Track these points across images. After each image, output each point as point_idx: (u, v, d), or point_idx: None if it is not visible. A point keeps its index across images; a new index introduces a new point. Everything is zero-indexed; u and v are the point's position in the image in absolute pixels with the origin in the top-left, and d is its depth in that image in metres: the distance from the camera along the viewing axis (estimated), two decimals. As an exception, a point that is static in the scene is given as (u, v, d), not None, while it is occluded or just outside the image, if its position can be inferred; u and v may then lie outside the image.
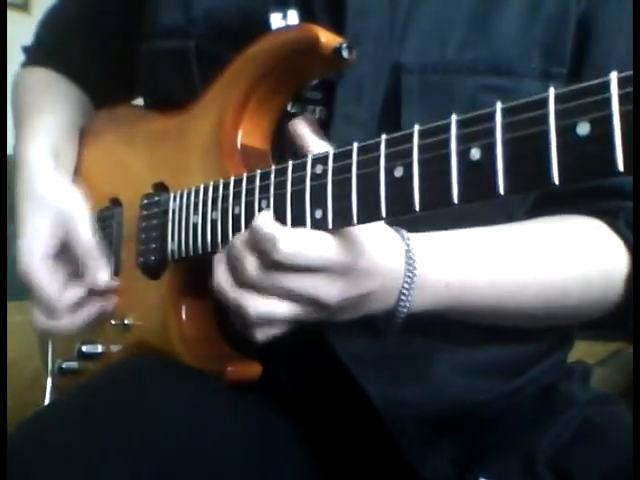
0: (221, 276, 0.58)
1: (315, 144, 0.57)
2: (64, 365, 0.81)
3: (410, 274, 0.57)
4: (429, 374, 0.67)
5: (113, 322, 0.77)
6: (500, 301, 0.63)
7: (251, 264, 0.55)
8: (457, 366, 0.68)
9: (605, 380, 1.15)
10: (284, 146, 0.68)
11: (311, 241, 0.53)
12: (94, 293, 0.77)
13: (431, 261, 0.59)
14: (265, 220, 0.55)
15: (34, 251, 0.76)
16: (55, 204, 0.78)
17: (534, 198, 0.71)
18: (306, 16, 0.68)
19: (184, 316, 0.71)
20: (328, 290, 0.54)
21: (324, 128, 0.65)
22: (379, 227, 0.56)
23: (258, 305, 0.56)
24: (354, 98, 0.64)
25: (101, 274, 0.76)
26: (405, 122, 0.64)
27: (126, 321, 0.76)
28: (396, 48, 0.65)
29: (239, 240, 0.57)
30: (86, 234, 0.76)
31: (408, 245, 0.57)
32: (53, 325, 0.77)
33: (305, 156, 0.55)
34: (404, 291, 0.57)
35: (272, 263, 0.54)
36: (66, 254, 0.78)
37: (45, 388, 0.84)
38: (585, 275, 0.66)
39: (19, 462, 0.57)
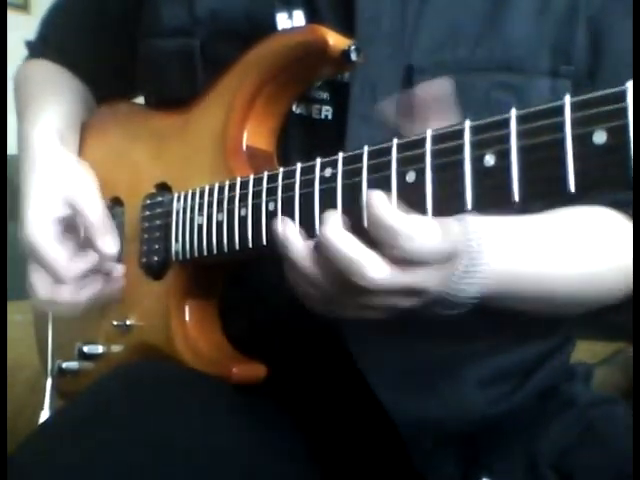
0: (319, 281, 0.52)
1: (441, 114, 0.52)
2: (64, 365, 0.80)
3: (475, 256, 0.54)
4: (451, 390, 0.67)
5: (115, 322, 0.76)
6: (556, 289, 0.63)
7: (373, 266, 0.49)
8: (477, 378, 0.68)
9: (606, 380, 1.16)
10: (288, 148, 0.68)
11: (429, 233, 0.48)
12: (101, 272, 0.76)
13: (493, 245, 0.56)
14: (385, 209, 0.49)
15: (41, 221, 0.74)
16: (63, 176, 0.77)
17: None
18: (312, 16, 0.67)
19: (187, 317, 0.70)
20: (433, 280, 0.51)
21: (332, 127, 0.65)
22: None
23: (364, 303, 0.52)
24: (369, 98, 0.64)
25: (108, 242, 0.74)
26: None
27: (128, 322, 0.75)
28: (408, 49, 0.65)
29: (347, 243, 0.50)
30: (95, 203, 0.75)
31: (474, 227, 0.55)
32: (55, 295, 0.74)
33: (314, 158, 0.55)
34: (468, 275, 0.54)
35: (397, 260, 0.49)
36: (74, 227, 0.76)
37: (44, 388, 0.83)
38: (615, 260, 0.66)
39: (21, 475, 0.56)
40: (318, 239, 0.51)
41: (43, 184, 0.76)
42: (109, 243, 0.74)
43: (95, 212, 0.75)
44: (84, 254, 0.75)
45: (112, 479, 0.56)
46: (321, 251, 0.51)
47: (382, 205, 0.49)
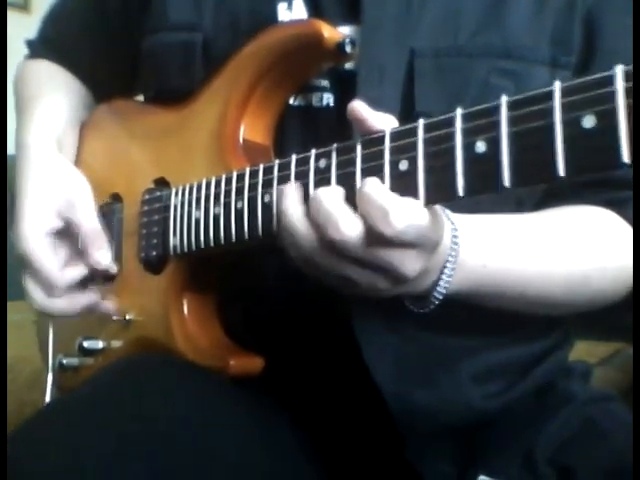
0: (302, 231, 0.52)
1: (382, 119, 0.53)
2: (65, 361, 0.81)
3: (454, 253, 0.56)
4: (446, 382, 0.67)
5: (115, 317, 0.77)
6: (528, 288, 0.63)
7: (354, 232, 0.49)
8: (473, 373, 0.68)
9: (605, 380, 1.15)
10: (285, 141, 0.69)
11: (417, 216, 0.49)
12: (95, 281, 0.77)
13: (472, 242, 0.58)
14: (377, 188, 0.49)
15: (36, 227, 0.75)
16: (58, 184, 0.77)
17: (544, 189, 0.71)
18: (311, 5, 0.68)
19: (186, 311, 0.71)
20: (413, 265, 0.51)
21: (334, 114, 0.65)
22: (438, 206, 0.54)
23: (342, 269, 0.52)
24: (376, 81, 0.64)
25: (102, 255, 0.75)
26: (419, 105, 0.64)
27: (127, 317, 0.76)
28: (412, 32, 0.65)
29: (332, 199, 0.51)
30: (89, 215, 0.76)
31: (453, 224, 0.56)
32: (50, 303, 0.76)
33: (315, 147, 0.55)
34: (446, 270, 0.56)
35: (379, 236, 0.49)
36: (68, 236, 0.77)
37: (45, 385, 0.84)
38: (603, 264, 0.67)
39: (18, 464, 0.56)
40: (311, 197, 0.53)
41: (38, 194, 0.77)
42: (102, 254, 0.75)
43: (89, 223, 0.76)
44: (77, 263, 0.76)
45: (107, 468, 0.56)
46: (310, 206, 0.52)
47: (376, 185, 0.50)
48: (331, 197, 0.51)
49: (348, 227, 0.49)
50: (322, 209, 0.51)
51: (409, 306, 0.59)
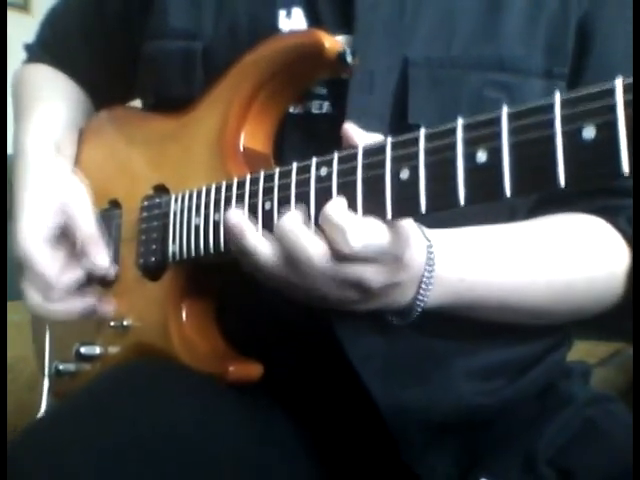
0: (267, 255, 0.56)
1: (367, 137, 0.56)
2: (61, 367, 0.80)
3: (429, 268, 0.58)
4: (437, 378, 0.67)
5: (112, 323, 0.76)
6: (509, 298, 0.64)
7: (318, 254, 0.53)
8: (466, 370, 0.68)
9: (605, 380, 1.15)
10: (285, 148, 0.69)
11: (376, 234, 0.52)
12: (94, 283, 0.76)
13: (448, 257, 0.60)
14: (337, 209, 0.53)
15: (34, 231, 0.75)
16: (56, 188, 0.77)
17: (537, 197, 0.72)
18: (310, 14, 0.68)
19: (184, 317, 0.71)
20: (376, 278, 0.54)
21: (332, 121, 0.65)
22: (412, 222, 0.56)
23: (309, 289, 0.56)
24: (366, 90, 0.65)
25: (100, 257, 0.75)
26: (412, 115, 0.64)
27: (125, 322, 0.76)
28: (406, 41, 0.66)
29: (294, 223, 0.55)
30: (87, 218, 0.76)
31: (429, 240, 0.58)
32: (48, 307, 0.75)
33: (315, 155, 0.56)
34: (423, 285, 0.58)
35: (338, 254, 0.53)
36: (66, 239, 0.77)
37: (41, 389, 0.84)
38: (589, 273, 0.67)
39: (18, 473, 0.56)
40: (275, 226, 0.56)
41: (36, 196, 0.77)
42: (100, 257, 0.75)
43: (88, 224, 0.76)
44: (75, 265, 0.75)
45: (108, 473, 0.56)
46: (275, 234, 0.56)
47: (337, 206, 0.52)
48: (295, 223, 0.54)
49: (314, 247, 0.53)
50: (289, 235, 0.54)
51: (391, 319, 0.61)
